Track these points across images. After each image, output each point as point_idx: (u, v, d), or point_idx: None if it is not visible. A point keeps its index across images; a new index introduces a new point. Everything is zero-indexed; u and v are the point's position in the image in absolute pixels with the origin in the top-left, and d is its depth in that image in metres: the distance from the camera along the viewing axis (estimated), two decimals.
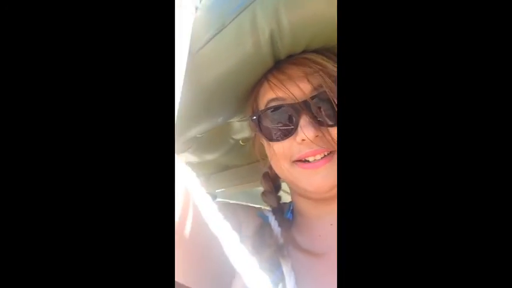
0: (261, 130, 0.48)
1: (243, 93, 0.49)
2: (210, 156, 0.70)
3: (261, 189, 0.60)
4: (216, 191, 0.87)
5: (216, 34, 0.41)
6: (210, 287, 0.47)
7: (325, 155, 0.44)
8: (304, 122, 0.43)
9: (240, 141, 0.71)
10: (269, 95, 0.46)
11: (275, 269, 0.46)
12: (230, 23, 0.40)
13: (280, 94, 0.45)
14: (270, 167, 0.53)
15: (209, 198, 0.35)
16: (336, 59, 0.45)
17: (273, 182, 0.57)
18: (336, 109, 0.43)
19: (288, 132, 0.45)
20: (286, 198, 0.62)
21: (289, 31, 0.40)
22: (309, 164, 0.45)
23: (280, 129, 0.45)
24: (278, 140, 0.46)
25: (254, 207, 0.58)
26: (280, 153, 0.46)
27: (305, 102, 0.44)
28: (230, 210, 0.54)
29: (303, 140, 0.43)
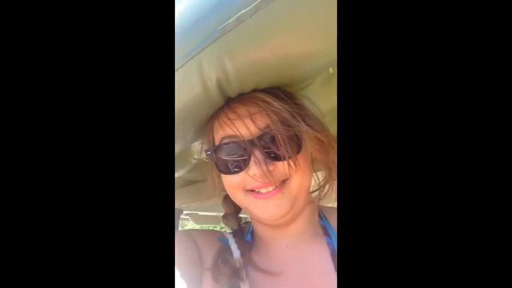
0: (216, 163, 0.49)
1: (199, 125, 0.52)
2: (175, 174, 0.71)
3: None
4: (183, 206, 0.87)
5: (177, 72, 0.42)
6: None
7: (276, 186, 0.47)
8: (254, 158, 0.45)
9: (204, 158, 0.72)
10: (221, 132, 0.48)
11: None
12: (179, 69, 0.40)
13: (230, 132, 0.47)
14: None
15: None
16: (283, 97, 0.47)
17: (233, 204, 0.58)
18: (282, 145, 0.45)
19: (241, 166, 0.47)
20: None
21: (235, 78, 0.42)
22: (262, 195, 0.47)
23: (233, 162, 0.47)
24: (231, 173, 0.48)
25: (215, 231, 0.60)
26: (234, 184, 0.48)
27: (253, 140, 0.45)
28: (190, 238, 0.54)
29: (254, 174, 0.45)
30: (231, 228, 0.58)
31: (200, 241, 0.54)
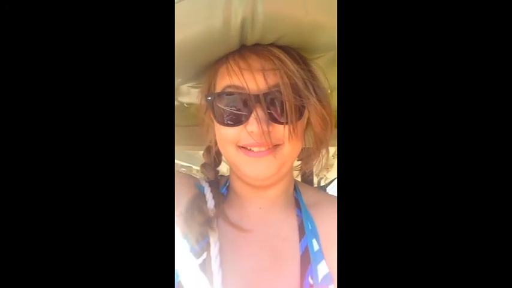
0: (213, 111, 0.47)
1: (204, 62, 0.48)
2: None
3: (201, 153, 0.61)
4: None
5: None
6: None
7: (269, 148, 0.45)
8: (255, 115, 0.43)
9: (185, 104, 0.69)
10: (226, 80, 0.45)
11: (201, 240, 0.49)
12: None
13: (236, 82, 0.44)
14: (215, 143, 0.52)
15: None
16: (299, 60, 0.45)
17: (215, 157, 0.57)
18: (288, 112, 0.43)
19: (239, 120, 0.45)
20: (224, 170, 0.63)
21: (261, 23, 0.39)
22: (253, 153, 0.46)
23: (232, 114, 0.45)
24: (228, 125, 0.46)
25: (193, 177, 0.58)
26: (228, 138, 0.46)
27: (259, 96, 0.43)
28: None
29: (252, 131, 0.43)
30: (208, 179, 0.57)
31: (178, 183, 0.53)
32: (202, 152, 0.61)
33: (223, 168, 0.63)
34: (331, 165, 1.38)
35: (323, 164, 0.52)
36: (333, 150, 1.07)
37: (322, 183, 1.64)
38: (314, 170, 0.55)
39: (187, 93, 0.63)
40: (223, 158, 0.58)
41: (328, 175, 1.59)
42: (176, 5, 0.37)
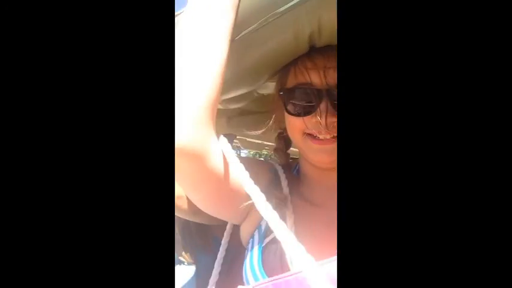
0: (284, 104, 0.56)
1: (279, 68, 0.58)
2: (236, 105, 0.79)
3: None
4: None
5: (268, 23, 0.47)
6: (230, 213, 0.60)
7: (334, 136, 0.53)
8: (323, 107, 0.51)
9: (264, 93, 0.79)
10: (297, 78, 0.54)
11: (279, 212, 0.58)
12: (277, 18, 0.45)
13: (303, 80, 0.53)
14: (285, 129, 0.62)
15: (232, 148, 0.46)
16: None
17: (285, 142, 0.67)
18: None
19: (308, 111, 0.53)
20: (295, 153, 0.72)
21: (328, 32, 0.47)
22: (318, 141, 0.54)
23: (301, 107, 0.54)
24: (298, 115, 0.54)
25: (267, 162, 0.69)
26: (296, 126, 0.55)
27: (327, 90, 0.51)
28: (248, 162, 0.64)
29: (317, 122, 0.51)
30: (280, 162, 0.67)
31: (256, 167, 0.63)
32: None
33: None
34: None
35: None
36: None
37: None
38: None
39: (264, 87, 0.73)
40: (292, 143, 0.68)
41: None
42: (249, 34, 0.46)
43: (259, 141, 1.25)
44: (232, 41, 0.49)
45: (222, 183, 0.53)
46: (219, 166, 0.52)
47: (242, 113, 0.91)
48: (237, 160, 0.49)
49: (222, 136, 0.53)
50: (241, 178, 0.48)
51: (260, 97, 0.78)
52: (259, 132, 0.77)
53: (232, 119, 0.93)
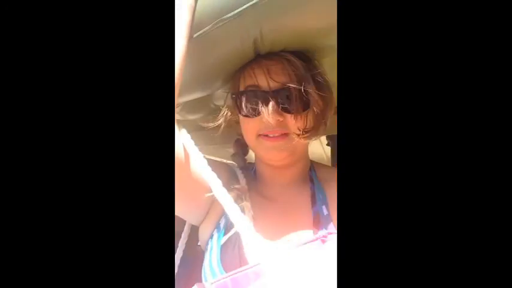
0: (237, 106, 0.62)
1: (231, 72, 0.64)
2: (193, 116, 0.83)
3: (230, 151, 0.76)
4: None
5: (218, 26, 0.53)
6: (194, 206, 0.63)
7: (281, 134, 0.59)
8: (270, 107, 0.57)
9: (220, 107, 0.84)
10: (246, 81, 0.60)
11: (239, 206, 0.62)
12: (226, 22, 0.51)
13: (252, 83, 0.59)
14: (242, 135, 0.67)
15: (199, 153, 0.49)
16: (304, 58, 0.59)
17: (242, 147, 0.73)
18: (293, 101, 0.57)
19: (257, 112, 0.59)
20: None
21: (268, 39, 0.54)
22: (269, 138, 0.60)
23: (251, 108, 0.59)
24: (249, 117, 0.60)
25: (226, 163, 0.74)
26: (250, 128, 0.61)
27: (273, 92, 0.57)
28: (208, 162, 0.68)
29: (266, 121, 0.57)
30: (238, 165, 0.72)
31: (217, 166, 0.67)
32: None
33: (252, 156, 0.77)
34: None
35: None
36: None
37: None
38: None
39: (221, 98, 0.78)
40: (249, 148, 0.73)
41: None
42: (203, 36, 0.51)
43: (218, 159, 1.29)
44: (190, 40, 0.54)
45: (183, 173, 0.56)
46: (179, 157, 0.55)
47: (196, 128, 0.95)
48: (197, 150, 0.52)
49: (182, 129, 0.57)
50: (202, 169, 0.51)
51: (216, 109, 0.83)
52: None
53: (191, 133, 0.96)
